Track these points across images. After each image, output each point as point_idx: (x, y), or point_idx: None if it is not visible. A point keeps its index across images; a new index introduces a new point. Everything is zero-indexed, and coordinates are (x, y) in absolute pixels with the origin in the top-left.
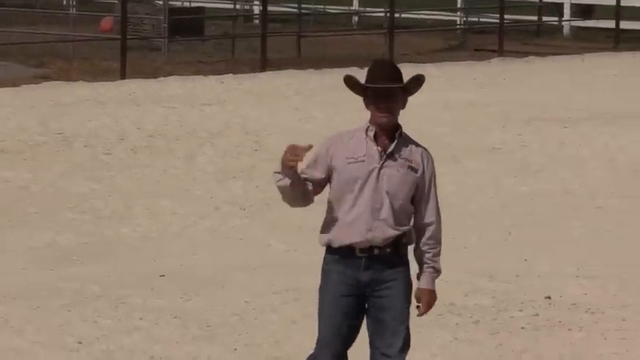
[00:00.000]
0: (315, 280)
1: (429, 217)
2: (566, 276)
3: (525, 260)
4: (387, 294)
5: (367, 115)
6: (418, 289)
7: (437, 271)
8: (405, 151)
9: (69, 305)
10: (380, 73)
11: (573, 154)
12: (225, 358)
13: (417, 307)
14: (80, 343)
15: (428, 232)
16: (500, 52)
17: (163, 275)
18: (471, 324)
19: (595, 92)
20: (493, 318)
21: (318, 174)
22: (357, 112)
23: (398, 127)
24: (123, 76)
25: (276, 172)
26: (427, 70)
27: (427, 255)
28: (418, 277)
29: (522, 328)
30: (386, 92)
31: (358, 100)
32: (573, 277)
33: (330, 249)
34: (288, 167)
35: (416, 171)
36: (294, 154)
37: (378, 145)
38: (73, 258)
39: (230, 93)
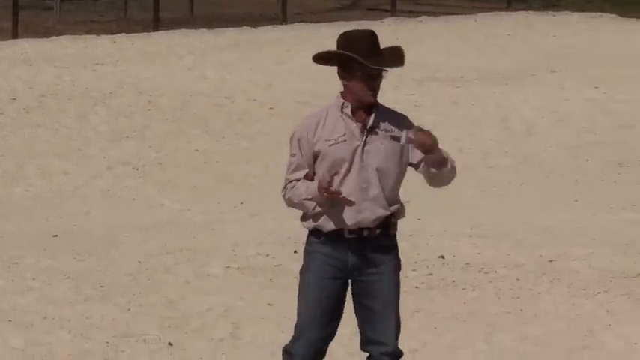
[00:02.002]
0: (210, 239)
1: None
2: (459, 235)
3: (419, 220)
4: (375, 279)
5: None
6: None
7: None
8: (385, 123)
9: None
10: (376, 49)
11: (465, 114)
12: (118, 318)
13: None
14: None
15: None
16: (393, 12)
17: (56, 235)
18: None
19: (487, 52)
20: None
21: (309, 168)
22: (250, 72)
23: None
24: (15, 36)
25: (307, 199)
26: (321, 29)
27: None
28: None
29: (416, 287)
30: (380, 71)
31: (251, 61)
32: (466, 237)
33: (315, 231)
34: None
35: (398, 139)
36: (329, 192)
37: (356, 120)
38: None
39: (123, 53)
